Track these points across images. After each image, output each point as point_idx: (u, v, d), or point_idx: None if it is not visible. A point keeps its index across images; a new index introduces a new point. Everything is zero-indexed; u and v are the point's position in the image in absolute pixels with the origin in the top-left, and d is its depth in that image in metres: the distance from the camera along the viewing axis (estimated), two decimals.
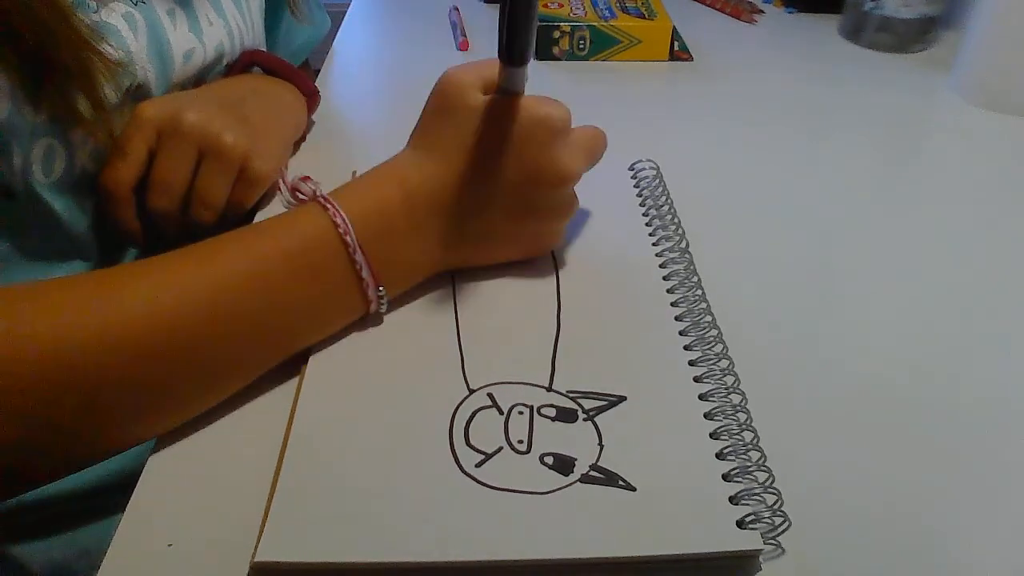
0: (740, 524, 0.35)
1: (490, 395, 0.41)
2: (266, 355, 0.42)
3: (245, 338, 0.41)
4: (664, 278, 0.49)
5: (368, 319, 0.46)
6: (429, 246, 0.46)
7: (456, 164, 0.45)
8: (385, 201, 0.45)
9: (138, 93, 0.53)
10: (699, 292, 0.48)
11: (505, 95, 0.45)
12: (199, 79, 0.59)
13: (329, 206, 0.43)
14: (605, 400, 0.41)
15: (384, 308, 0.45)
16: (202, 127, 0.52)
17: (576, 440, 0.39)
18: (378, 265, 0.44)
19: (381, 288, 0.44)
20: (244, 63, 0.63)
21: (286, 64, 0.64)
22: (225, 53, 0.60)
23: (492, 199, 0.46)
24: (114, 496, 0.39)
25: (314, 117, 0.67)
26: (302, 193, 0.56)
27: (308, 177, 0.55)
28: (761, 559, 0.35)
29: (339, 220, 0.42)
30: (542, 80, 0.78)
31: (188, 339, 0.38)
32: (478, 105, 0.45)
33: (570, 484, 0.37)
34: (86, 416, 0.37)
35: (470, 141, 0.45)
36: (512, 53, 0.42)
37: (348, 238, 0.42)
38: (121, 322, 0.37)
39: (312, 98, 0.65)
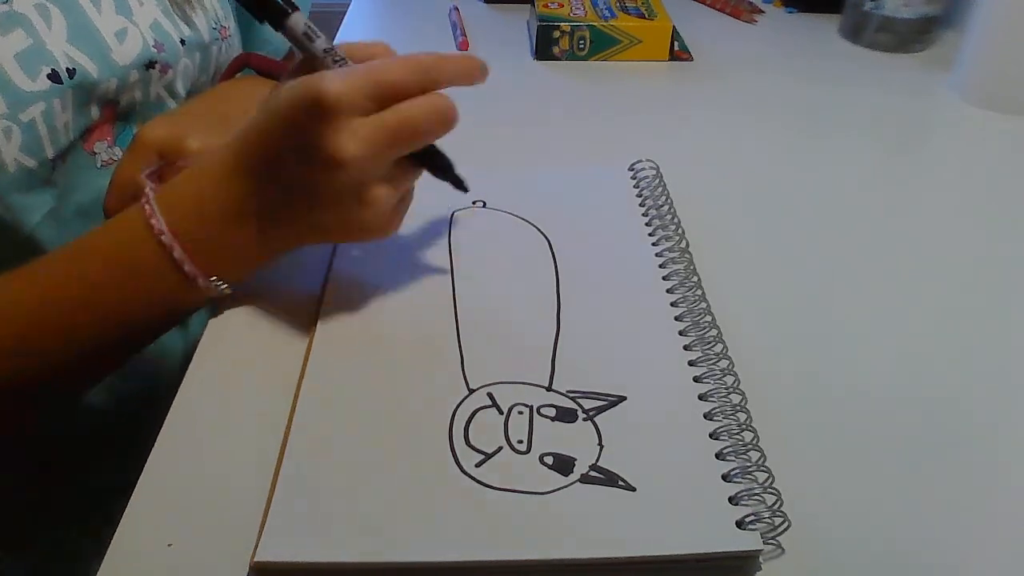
0: (740, 524, 0.35)
1: (490, 395, 0.41)
2: (106, 347, 0.46)
3: (78, 336, 0.45)
4: (664, 278, 0.49)
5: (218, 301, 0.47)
6: (244, 227, 0.44)
7: (236, 144, 0.44)
8: (195, 183, 0.45)
9: (74, 77, 0.51)
10: (699, 292, 0.48)
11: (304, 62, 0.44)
12: (166, 66, 0.57)
13: (145, 195, 0.44)
14: (605, 400, 0.41)
15: (225, 289, 0.45)
16: None
17: (576, 440, 0.39)
18: (195, 246, 0.44)
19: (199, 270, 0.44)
20: (236, 66, 0.62)
21: (281, 65, 0.64)
22: (169, 32, 0.58)
23: (267, 179, 0.44)
24: (113, 496, 0.39)
25: None
26: None
27: None
28: (761, 559, 0.35)
29: (148, 208, 0.44)
30: (542, 80, 0.79)
31: (18, 346, 0.44)
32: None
33: (570, 484, 0.37)
34: None
35: (248, 118, 0.44)
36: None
37: (153, 220, 0.43)
38: None
39: None
